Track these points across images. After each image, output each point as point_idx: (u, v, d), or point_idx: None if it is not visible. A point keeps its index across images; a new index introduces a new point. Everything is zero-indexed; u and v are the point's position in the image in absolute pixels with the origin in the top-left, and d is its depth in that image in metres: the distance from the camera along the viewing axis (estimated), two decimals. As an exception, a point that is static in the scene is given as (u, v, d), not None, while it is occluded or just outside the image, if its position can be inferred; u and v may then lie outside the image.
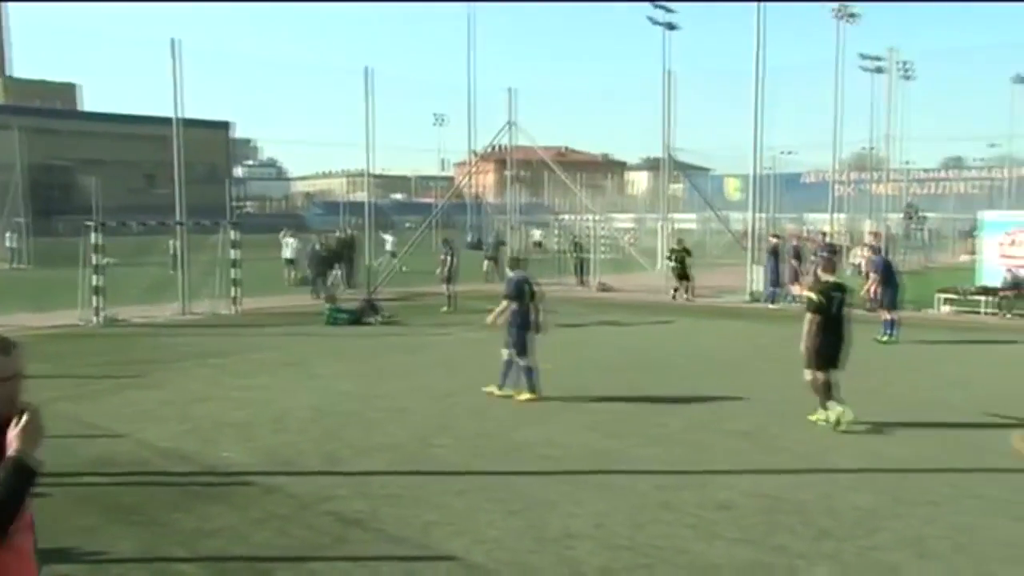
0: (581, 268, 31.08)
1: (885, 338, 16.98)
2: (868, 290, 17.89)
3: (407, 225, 46.07)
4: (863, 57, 38.94)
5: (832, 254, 24.43)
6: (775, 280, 24.00)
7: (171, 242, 28.77)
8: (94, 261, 19.64)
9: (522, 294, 11.97)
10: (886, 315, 17.28)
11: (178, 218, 22.76)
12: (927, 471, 8.59)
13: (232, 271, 22.10)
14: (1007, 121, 52.12)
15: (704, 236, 49.45)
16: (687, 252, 26.12)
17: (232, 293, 22.06)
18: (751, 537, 6.77)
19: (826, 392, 10.27)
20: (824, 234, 26.80)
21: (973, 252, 30.00)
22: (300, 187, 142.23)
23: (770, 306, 23.32)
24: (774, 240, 25.12)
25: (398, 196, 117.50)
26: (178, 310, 21.65)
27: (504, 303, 12.01)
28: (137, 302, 21.74)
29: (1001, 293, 21.09)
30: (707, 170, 77.95)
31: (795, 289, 21.53)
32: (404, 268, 32.56)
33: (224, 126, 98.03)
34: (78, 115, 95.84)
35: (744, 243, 28.39)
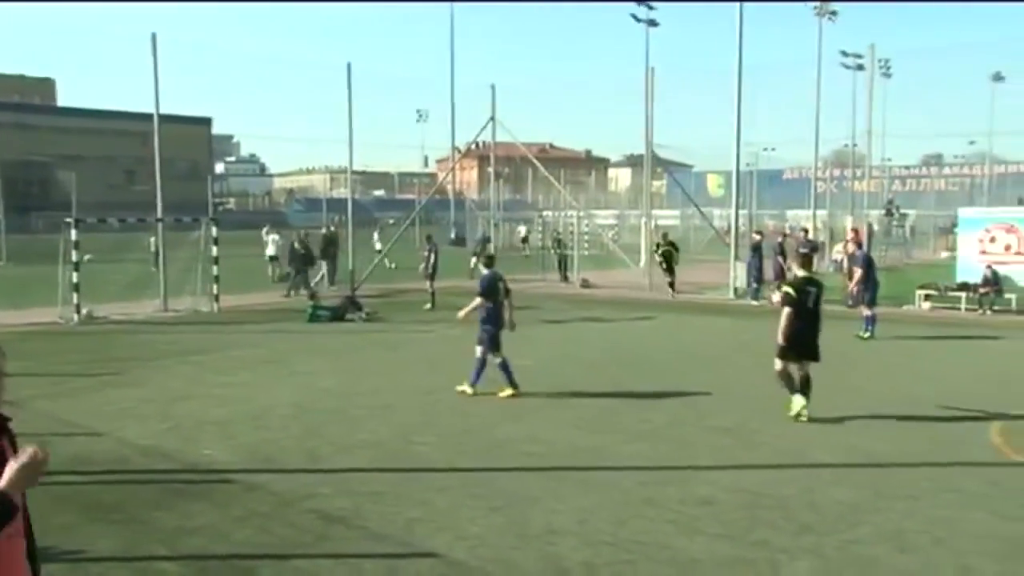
0: (563, 264, 31.12)
1: (866, 334, 17.09)
2: (854, 286, 17.91)
3: (390, 222, 45.96)
4: (844, 54, 39.19)
5: (813, 251, 24.63)
6: (758, 276, 24.10)
7: (151, 239, 28.61)
8: (73, 258, 19.46)
9: (495, 291, 11.98)
10: (865, 311, 17.39)
11: (158, 215, 22.60)
12: (907, 465, 8.65)
13: (213, 268, 21.97)
14: (986, 118, 52.58)
15: (686, 233, 49.64)
16: (673, 246, 26.12)
17: (213, 290, 21.92)
18: (733, 532, 6.80)
19: (789, 382, 10.50)
20: (805, 231, 26.90)
21: (952, 248, 30.26)
22: (281, 183, 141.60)
23: (752, 302, 23.42)
24: (757, 237, 25.21)
25: (380, 193, 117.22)
26: (158, 307, 21.51)
27: (478, 300, 12.00)
28: (116, 299, 21.57)
29: (980, 289, 21.26)
30: (689, 167, 78.28)
31: (775, 297, 21.66)
32: (392, 265, 32.53)
33: (205, 122, 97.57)
34: (56, 110, 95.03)
35: (726, 239, 28.51)
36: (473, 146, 40.42)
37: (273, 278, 29.20)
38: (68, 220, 20.25)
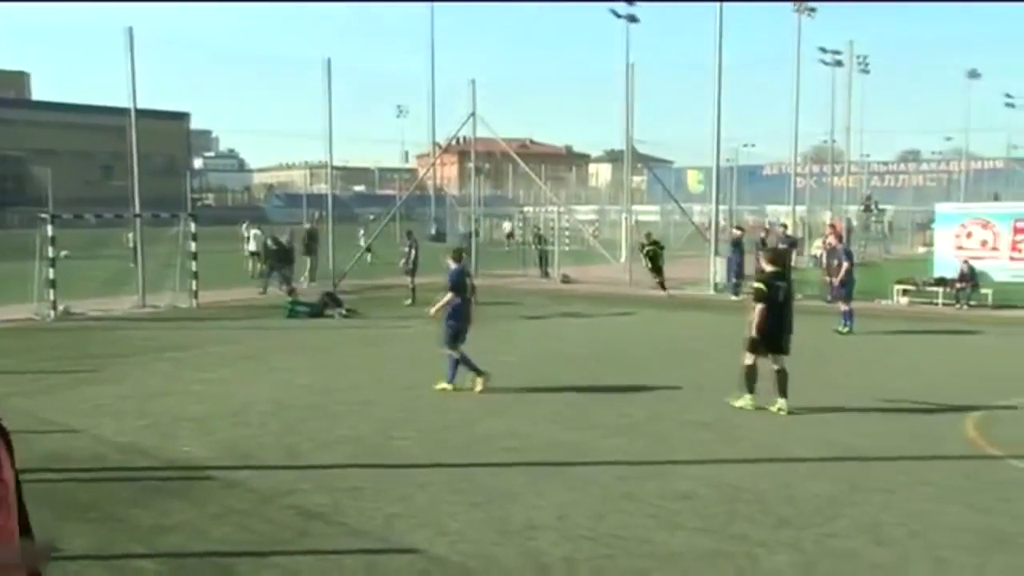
0: (544, 260, 31.13)
1: (844, 329, 17.20)
2: (841, 278, 17.92)
3: (371, 218, 45.82)
4: (823, 51, 39.40)
5: (791, 246, 24.78)
6: (738, 272, 24.18)
7: (129, 235, 28.37)
8: (49, 254, 19.27)
9: (464, 286, 11.96)
10: (843, 306, 17.50)
11: (135, 210, 22.41)
12: (883, 459, 8.72)
13: (192, 264, 21.82)
14: (962, 115, 53.07)
15: (666, 228, 49.77)
16: (658, 245, 26.00)
17: (192, 286, 21.77)
18: (712, 526, 6.83)
19: (750, 380, 10.68)
20: (784, 226, 27.07)
21: (930, 244, 30.50)
22: (261, 179, 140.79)
23: (732, 297, 23.50)
24: (737, 232, 25.29)
25: (360, 188, 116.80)
26: (136, 303, 21.34)
27: (448, 295, 11.99)
28: (94, 295, 21.40)
29: (956, 284, 21.46)
30: (669, 162, 78.56)
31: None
32: (370, 259, 32.46)
33: (182, 117, 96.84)
34: (31, 104, 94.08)
35: (706, 235, 28.60)
36: (453, 142, 40.32)
37: (252, 274, 29.04)
38: (43, 216, 20.04)
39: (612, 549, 6.39)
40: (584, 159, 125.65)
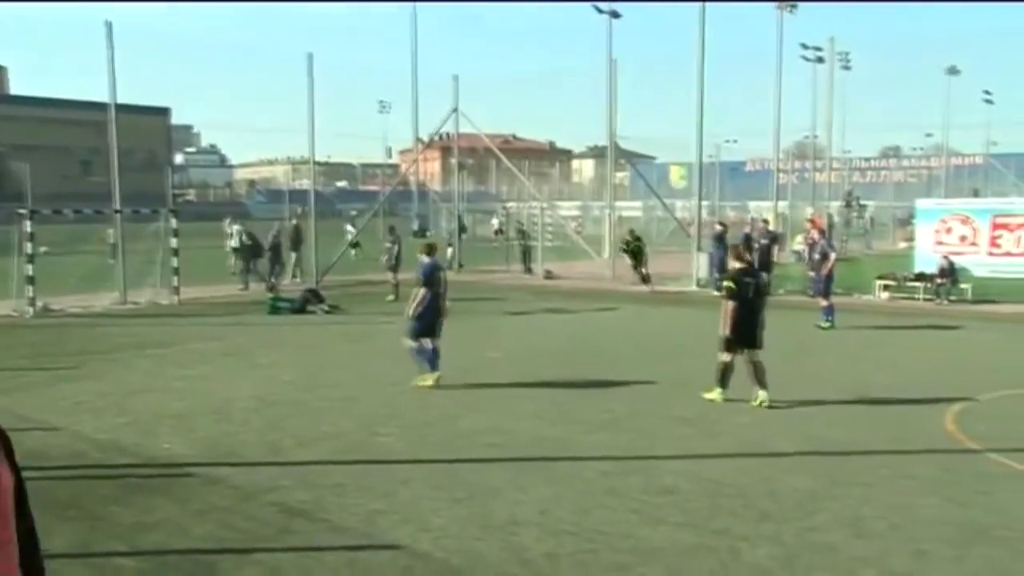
0: (527, 256, 31.12)
1: (826, 324, 17.30)
2: (826, 271, 17.95)
3: (353, 213, 45.64)
4: (804, 47, 39.53)
5: (773, 241, 24.87)
6: (720, 267, 24.22)
7: (109, 231, 28.15)
8: (27, 250, 19.09)
9: (436, 281, 11.95)
10: (823, 302, 17.60)
11: (115, 206, 22.24)
12: (864, 453, 8.79)
13: (173, 260, 21.68)
14: (942, 112, 53.39)
15: (649, 224, 49.84)
16: (640, 241, 25.90)
17: (173, 282, 21.63)
18: (694, 521, 6.86)
19: (724, 375, 10.83)
20: (766, 221, 27.13)
21: (911, 239, 30.70)
22: (243, 174, 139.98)
23: (715, 293, 23.53)
24: (720, 228, 25.36)
25: (343, 184, 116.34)
26: (117, 300, 21.18)
27: (421, 291, 11.97)
28: (74, 292, 21.23)
29: (937, 279, 21.62)
30: (652, 158, 78.63)
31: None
32: (358, 255, 32.41)
33: (163, 112, 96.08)
34: (8, 99, 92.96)
35: (689, 231, 28.66)
36: (436, 137, 40.28)
37: (234, 270, 28.89)
38: (22, 211, 19.86)
39: (595, 544, 6.41)
40: (567, 155, 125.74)
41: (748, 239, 24.70)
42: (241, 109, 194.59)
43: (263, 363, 13.87)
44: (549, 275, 28.93)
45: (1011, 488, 7.69)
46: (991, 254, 22.29)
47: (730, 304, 10.79)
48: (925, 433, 9.53)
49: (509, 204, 49.79)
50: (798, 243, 32.01)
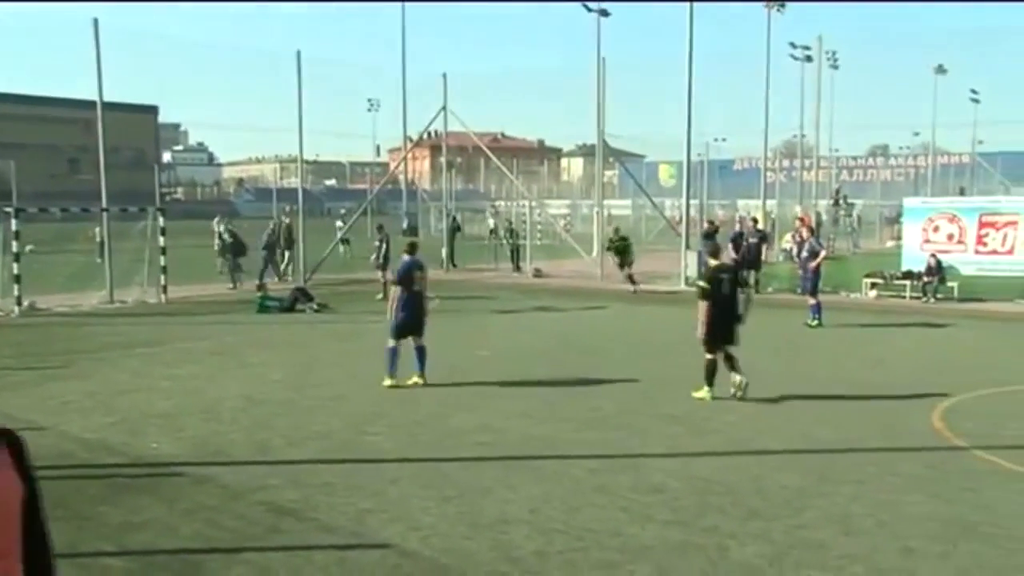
0: (516, 254, 31.10)
1: (814, 323, 17.37)
2: (815, 266, 17.98)
3: (342, 211, 45.58)
4: (792, 46, 39.63)
5: (762, 240, 24.93)
6: (709, 266, 24.19)
7: (96, 229, 28.02)
8: (13, 248, 18.98)
9: (412, 279, 11.90)
10: (811, 300, 17.67)
11: (103, 204, 22.13)
12: (852, 451, 8.82)
13: (160, 259, 21.59)
14: (929, 111, 53.60)
15: (638, 222, 49.90)
16: (625, 240, 25.73)
17: (160, 281, 21.54)
18: (683, 519, 6.88)
19: (711, 374, 10.92)
20: (755, 220, 27.20)
21: (898, 238, 30.82)
22: (231, 173, 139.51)
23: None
24: (710, 226, 25.35)
25: (331, 182, 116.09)
26: (104, 298, 21.07)
27: (395, 290, 11.95)
28: (61, 290, 21.12)
29: (924, 278, 21.71)
30: (641, 157, 78.75)
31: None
32: (347, 253, 32.37)
33: (151, 110, 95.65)
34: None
35: (678, 229, 28.69)
36: (425, 136, 40.24)
37: (221, 269, 28.78)
38: (7, 210, 19.72)
39: (584, 542, 6.42)
40: (556, 153, 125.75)
41: (740, 237, 24.76)
42: (229, 107, 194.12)
43: (252, 362, 13.83)
44: (538, 273, 28.93)
45: (997, 485, 7.73)
46: (978, 252, 22.40)
47: (703, 304, 10.95)
48: (913, 431, 9.57)
49: (498, 203, 49.77)
50: (787, 241, 32.09)
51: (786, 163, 53.26)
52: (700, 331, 10.95)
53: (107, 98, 22.14)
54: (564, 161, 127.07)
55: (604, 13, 36.59)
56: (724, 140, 68.97)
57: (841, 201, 43.43)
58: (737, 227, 26.56)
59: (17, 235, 19.08)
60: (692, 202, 28.05)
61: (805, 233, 20.12)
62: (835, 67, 44.61)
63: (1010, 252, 22.01)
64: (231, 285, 24.43)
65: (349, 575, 5.93)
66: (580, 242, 35.50)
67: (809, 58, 38.92)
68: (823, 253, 18.27)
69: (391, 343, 11.80)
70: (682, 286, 25.11)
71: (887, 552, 6.25)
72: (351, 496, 7.40)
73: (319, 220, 37.77)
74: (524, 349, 15.01)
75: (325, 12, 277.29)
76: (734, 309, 11.05)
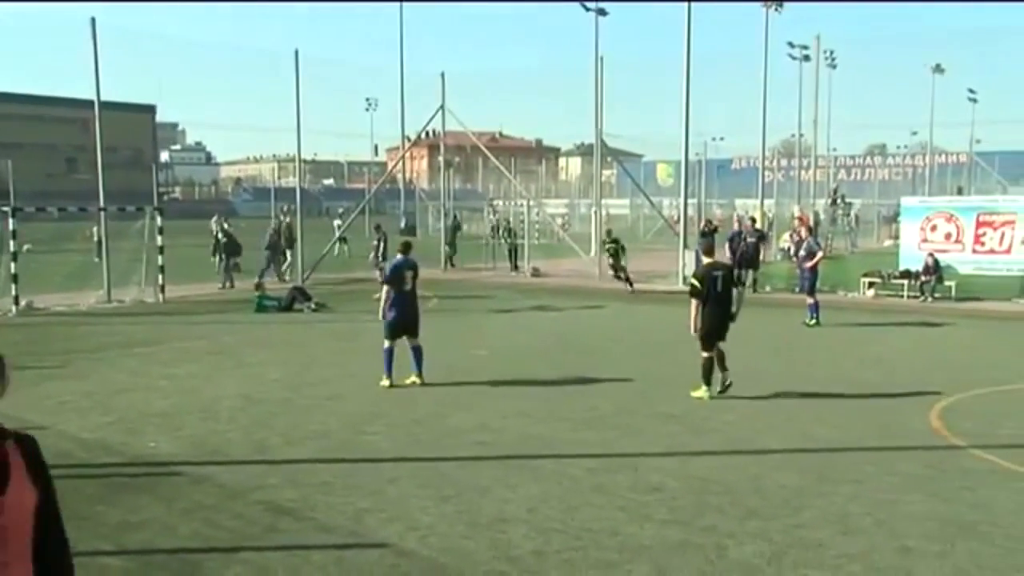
0: (514, 253, 31.08)
1: (812, 322, 17.38)
2: (813, 264, 17.98)
3: (340, 211, 45.61)
4: (790, 45, 39.62)
5: (760, 240, 24.93)
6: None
7: (93, 228, 28.00)
8: (11, 248, 18.96)
9: (402, 279, 11.87)
10: (809, 299, 17.68)
11: (100, 203, 22.10)
12: (851, 450, 8.83)
13: (158, 258, 21.57)
14: (927, 110, 53.58)
15: (636, 221, 49.93)
16: (618, 243, 25.51)
17: (158, 280, 21.52)
18: (681, 518, 6.88)
19: (708, 372, 10.94)
20: (753, 220, 27.21)
21: (896, 237, 30.83)
22: (228, 172, 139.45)
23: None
24: (710, 225, 25.32)
25: (329, 181, 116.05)
26: (102, 298, 21.06)
27: (384, 289, 11.95)
28: (58, 290, 21.09)
29: (922, 277, 21.73)
30: (639, 156, 78.81)
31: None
32: (343, 251, 32.37)
33: (149, 109, 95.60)
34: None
35: (676, 228, 28.69)
36: (423, 135, 40.20)
37: (218, 269, 28.75)
38: (5, 209, 19.70)
39: (582, 541, 6.42)
40: (554, 153, 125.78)
41: (738, 236, 24.75)
42: (227, 107, 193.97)
43: (250, 361, 13.82)
44: (536, 273, 28.94)
45: (995, 484, 7.74)
46: (975, 252, 22.42)
47: (693, 302, 11.00)
48: (911, 430, 9.58)
49: (496, 202, 49.76)
50: (785, 241, 32.10)
51: (784, 162, 53.23)
52: (691, 327, 11.00)
53: (105, 97, 22.17)
54: (562, 160, 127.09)
55: (602, 12, 36.65)
56: (722, 139, 69.02)
57: (839, 200, 43.42)
58: (736, 226, 26.53)
59: (14, 234, 19.07)
60: (690, 201, 28.06)
61: (804, 232, 20.13)
62: (833, 66, 44.66)
63: (1007, 251, 22.03)
64: (221, 285, 24.24)
65: (347, 574, 5.92)
66: (578, 241, 35.51)
67: (807, 57, 38.93)
68: (820, 254, 18.29)
69: (387, 343, 11.79)
70: (680, 285, 25.08)
71: (885, 551, 6.26)
72: (349, 495, 7.39)
73: (317, 220, 37.73)
74: (522, 348, 15.01)
75: (324, 12, 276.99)
76: (728, 307, 11.09)
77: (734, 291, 11.29)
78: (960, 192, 46.77)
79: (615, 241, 25.27)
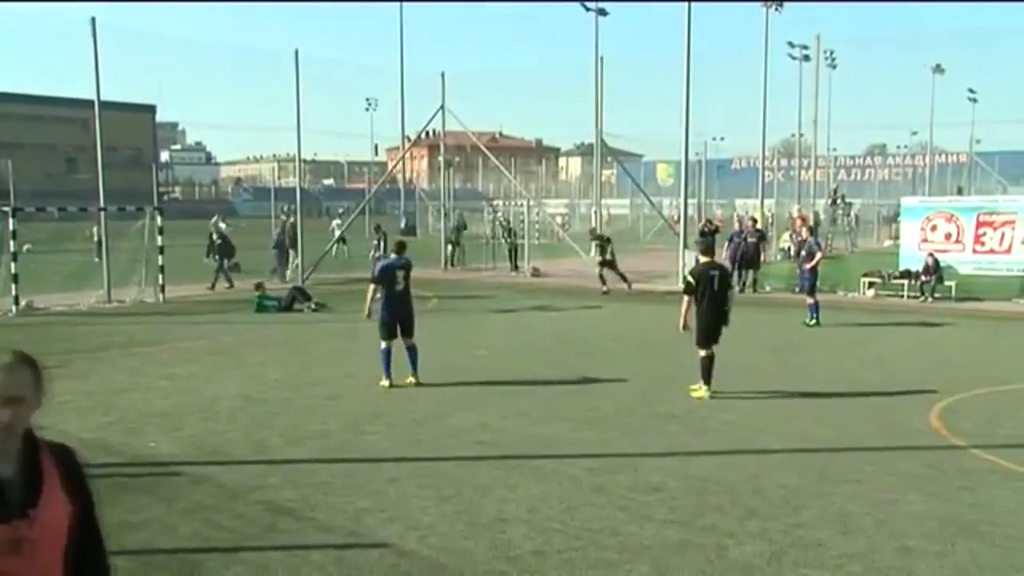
0: (514, 253, 31.08)
1: (812, 322, 17.38)
2: (813, 264, 17.99)
3: (339, 211, 45.65)
4: (790, 45, 39.63)
5: (761, 239, 24.95)
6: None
7: (93, 228, 28.00)
8: (11, 248, 18.96)
9: (392, 279, 11.85)
10: (809, 299, 17.68)
11: (100, 203, 22.11)
12: (850, 450, 8.83)
13: (158, 258, 21.57)
14: (927, 110, 53.61)
15: (636, 221, 49.94)
16: (602, 239, 25.24)
17: (158, 280, 21.53)
18: (681, 518, 6.88)
19: (707, 372, 10.99)
20: (754, 220, 27.23)
21: (896, 237, 30.83)
22: (228, 172, 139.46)
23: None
24: (711, 225, 25.32)
25: (329, 181, 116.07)
26: (102, 298, 21.06)
27: (371, 288, 11.95)
28: (58, 290, 21.09)
29: (922, 277, 21.73)
30: (639, 156, 78.85)
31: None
32: (343, 251, 32.37)
33: (149, 109, 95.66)
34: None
35: (675, 228, 28.69)
36: (423, 135, 40.21)
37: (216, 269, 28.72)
38: (5, 209, 19.72)
39: (582, 541, 6.42)
40: (554, 152, 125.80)
41: (737, 236, 24.77)
42: (227, 107, 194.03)
43: (250, 361, 13.82)
44: (536, 273, 28.93)
45: (995, 484, 7.74)
46: (975, 252, 22.41)
47: (686, 298, 11.13)
48: (910, 430, 9.58)
49: (496, 202, 49.75)
50: (785, 241, 32.11)
51: (784, 162, 53.27)
52: (680, 324, 11.16)
53: (105, 97, 22.18)
54: (562, 160, 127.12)
55: (602, 12, 36.64)
56: (722, 139, 69.17)
57: (839, 200, 43.44)
58: (736, 226, 26.54)
59: (15, 234, 19.07)
60: (690, 201, 28.07)
61: (805, 233, 20.13)
62: (833, 66, 44.70)
63: (1007, 251, 22.02)
64: (210, 286, 24.00)
65: (347, 574, 5.92)
66: (578, 241, 35.50)
67: (807, 57, 38.96)
68: (819, 255, 18.27)
69: (383, 344, 11.79)
70: (680, 285, 25.10)
71: (885, 551, 6.26)
72: (349, 495, 7.39)
73: (317, 220, 37.75)
74: (522, 348, 15.02)
75: (324, 12, 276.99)
76: (724, 307, 11.14)
77: (728, 292, 11.33)
78: (960, 192, 46.81)
79: (599, 237, 25.13)
